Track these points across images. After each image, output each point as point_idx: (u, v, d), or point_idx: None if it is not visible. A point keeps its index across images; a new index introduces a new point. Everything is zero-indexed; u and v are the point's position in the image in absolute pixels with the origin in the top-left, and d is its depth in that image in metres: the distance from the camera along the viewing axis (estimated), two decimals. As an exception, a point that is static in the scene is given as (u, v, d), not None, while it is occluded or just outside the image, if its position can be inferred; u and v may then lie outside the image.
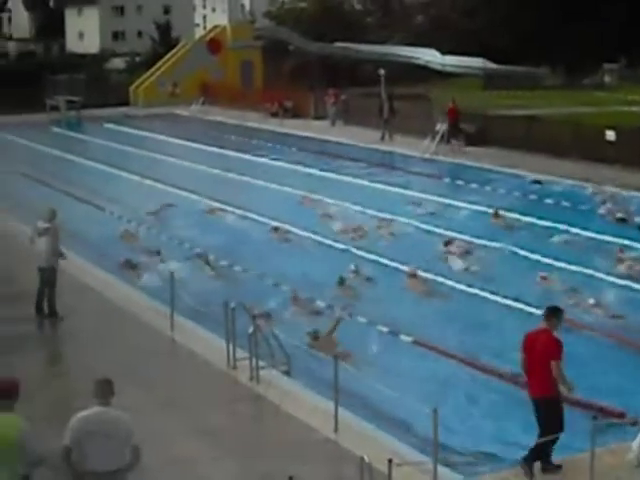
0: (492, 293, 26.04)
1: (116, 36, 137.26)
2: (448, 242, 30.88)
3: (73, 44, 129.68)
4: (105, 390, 12.45)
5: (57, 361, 23.08)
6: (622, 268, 27.93)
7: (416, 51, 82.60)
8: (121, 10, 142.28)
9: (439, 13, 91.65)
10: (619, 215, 34.38)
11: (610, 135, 43.96)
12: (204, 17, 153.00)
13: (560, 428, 14.97)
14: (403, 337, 22.52)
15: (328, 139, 55.35)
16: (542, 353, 14.87)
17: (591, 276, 27.36)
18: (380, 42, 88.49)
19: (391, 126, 53.58)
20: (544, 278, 26.84)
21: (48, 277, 24.03)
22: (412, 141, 50.92)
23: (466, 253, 29.89)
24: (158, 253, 30.57)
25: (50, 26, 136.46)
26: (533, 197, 38.64)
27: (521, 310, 24.49)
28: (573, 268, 28.04)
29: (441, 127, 49.48)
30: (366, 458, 12.86)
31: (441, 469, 15.05)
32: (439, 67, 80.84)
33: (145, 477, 13.33)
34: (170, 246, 32.06)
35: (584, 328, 22.86)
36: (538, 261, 29.09)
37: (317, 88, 68.09)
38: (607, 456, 14.77)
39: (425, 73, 79.22)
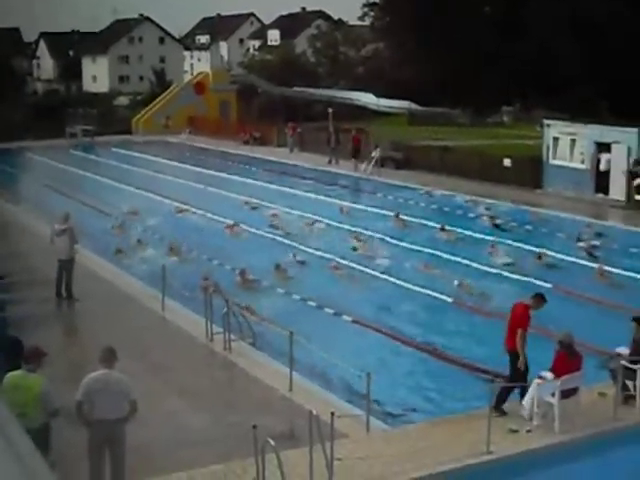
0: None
1: (122, 79, 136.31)
2: (356, 237, 31.72)
3: (88, 85, 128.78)
4: (108, 357, 12.49)
5: (72, 334, 22.93)
6: (494, 259, 28.52)
7: (357, 94, 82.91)
8: (126, 59, 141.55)
9: (375, 65, 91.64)
10: (496, 221, 35.00)
11: (507, 162, 44.23)
12: (191, 65, 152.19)
13: (524, 379, 15.43)
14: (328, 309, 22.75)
15: (287, 162, 55.27)
16: (516, 320, 15.67)
17: (467, 265, 28.15)
18: (329, 87, 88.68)
19: (337, 152, 53.63)
20: (426, 266, 27.58)
21: (66, 266, 23.92)
22: (352, 165, 50.97)
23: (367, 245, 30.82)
24: (140, 242, 31.26)
25: (70, 70, 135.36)
26: (434, 207, 39.27)
27: (407, 288, 25.32)
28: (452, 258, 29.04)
29: (376, 154, 49.51)
30: (314, 411, 12.85)
31: (373, 420, 15.11)
32: (375, 107, 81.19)
33: (140, 425, 13.26)
34: (150, 238, 32.38)
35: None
36: (422, 251, 29.95)
37: (279, 122, 67.96)
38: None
39: (364, 112, 79.30)
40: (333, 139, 54.53)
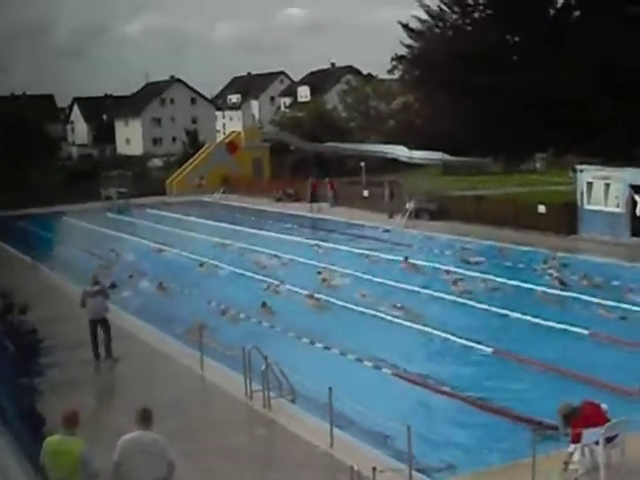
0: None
1: (155, 141, 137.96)
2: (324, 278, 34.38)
3: (122, 148, 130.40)
4: (144, 417, 12.43)
5: (111, 395, 22.92)
6: (455, 288, 31.22)
7: (389, 147, 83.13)
8: (158, 121, 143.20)
9: (406, 118, 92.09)
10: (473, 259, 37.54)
11: (541, 209, 44.05)
12: (223, 125, 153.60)
13: None
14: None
15: (322, 218, 55.33)
16: None
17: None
18: (361, 141, 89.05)
19: (390, 206, 52.59)
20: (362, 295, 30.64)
21: (102, 326, 24.03)
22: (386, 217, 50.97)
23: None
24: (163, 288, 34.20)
25: (104, 134, 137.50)
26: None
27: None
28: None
29: (410, 206, 49.47)
30: (355, 467, 12.74)
31: (415, 474, 14.93)
32: (407, 159, 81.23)
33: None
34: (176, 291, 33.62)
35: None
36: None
37: (313, 178, 68.16)
38: (545, 461, 14.62)
39: (396, 164, 79.54)
40: (387, 193, 53.96)
